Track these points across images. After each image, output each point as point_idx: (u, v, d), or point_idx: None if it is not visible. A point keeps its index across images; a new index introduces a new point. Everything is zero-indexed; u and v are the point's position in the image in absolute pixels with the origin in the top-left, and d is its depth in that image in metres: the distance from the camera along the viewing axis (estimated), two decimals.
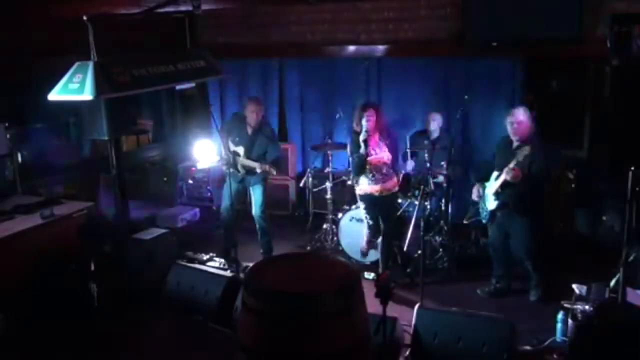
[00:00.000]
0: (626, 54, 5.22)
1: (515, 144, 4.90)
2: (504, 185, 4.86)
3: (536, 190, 4.93)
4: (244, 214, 6.34)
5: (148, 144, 8.20)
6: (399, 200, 5.80)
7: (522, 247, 5.05)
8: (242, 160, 5.70)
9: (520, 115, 4.87)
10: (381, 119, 5.22)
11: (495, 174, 5.00)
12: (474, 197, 5.23)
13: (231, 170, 5.75)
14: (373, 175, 5.23)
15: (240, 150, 5.73)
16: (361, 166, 5.20)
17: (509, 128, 4.93)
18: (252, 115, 5.69)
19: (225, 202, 5.87)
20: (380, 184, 5.26)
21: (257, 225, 5.99)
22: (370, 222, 5.43)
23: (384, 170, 5.25)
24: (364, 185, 5.31)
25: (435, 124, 6.17)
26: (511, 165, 4.72)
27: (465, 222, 5.90)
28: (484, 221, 5.26)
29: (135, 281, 5.28)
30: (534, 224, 4.98)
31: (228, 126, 6.01)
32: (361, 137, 5.11)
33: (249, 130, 5.75)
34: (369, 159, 5.15)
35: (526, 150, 4.61)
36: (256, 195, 5.86)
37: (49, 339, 4.53)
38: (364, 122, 5.10)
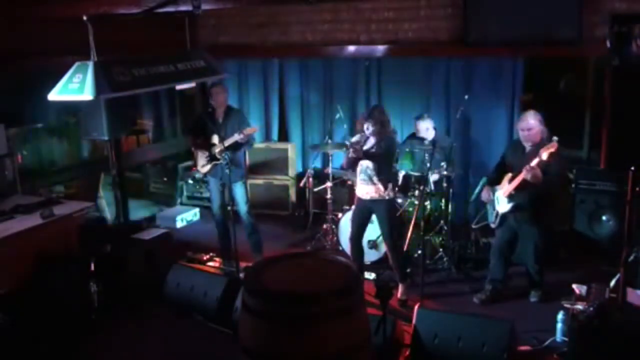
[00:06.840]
0: (626, 54, 5.22)
1: (528, 148, 4.80)
2: (520, 187, 4.69)
3: (549, 194, 4.81)
4: (236, 213, 6.30)
5: (148, 144, 8.19)
6: (399, 205, 5.61)
7: (532, 252, 4.96)
8: (220, 146, 5.61)
9: (531, 120, 4.73)
10: (380, 125, 4.89)
11: (508, 176, 4.85)
12: (484, 199, 5.08)
13: (211, 171, 5.74)
14: (363, 176, 5.00)
15: (215, 139, 5.69)
16: (349, 160, 5.05)
17: (520, 134, 4.81)
18: (217, 97, 5.68)
19: (215, 205, 5.91)
20: (368, 185, 4.99)
21: (245, 224, 5.91)
22: (350, 235, 5.29)
23: (370, 173, 4.95)
24: (357, 187, 5.14)
25: (424, 130, 6.09)
26: (533, 163, 4.51)
27: (474, 226, 5.77)
28: (492, 226, 5.11)
29: (135, 281, 5.28)
30: (545, 227, 4.91)
31: (194, 128, 5.97)
32: (354, 138, 5.03)
33: (220, 119, 5.74)
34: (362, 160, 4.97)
35: (552, 148, 4.41)
36: (239, 194, 5.80)
37: (49, 339, 4.52)
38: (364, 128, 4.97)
